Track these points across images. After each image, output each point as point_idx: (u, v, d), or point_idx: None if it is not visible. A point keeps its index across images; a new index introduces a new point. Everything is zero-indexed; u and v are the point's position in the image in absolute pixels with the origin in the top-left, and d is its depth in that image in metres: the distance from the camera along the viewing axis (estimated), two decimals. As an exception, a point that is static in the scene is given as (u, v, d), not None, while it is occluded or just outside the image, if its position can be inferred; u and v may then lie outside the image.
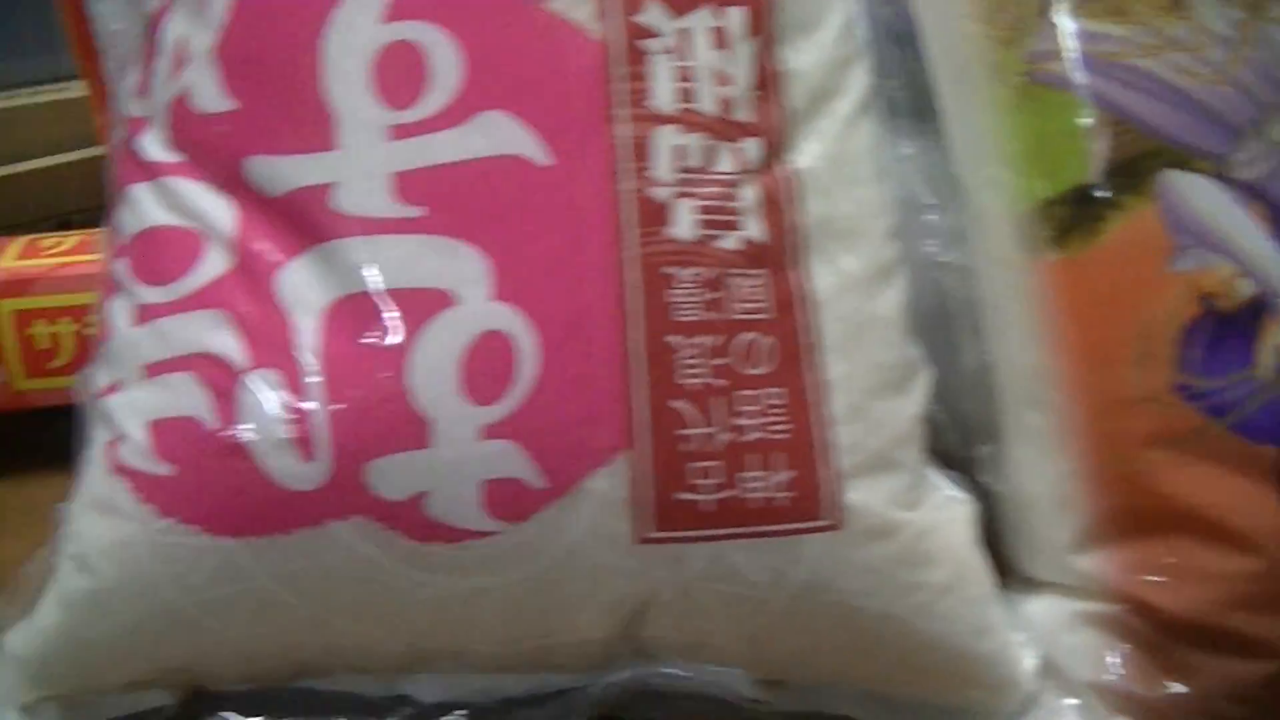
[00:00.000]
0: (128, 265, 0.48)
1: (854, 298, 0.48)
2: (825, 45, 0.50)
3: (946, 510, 0.49)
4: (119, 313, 0.48)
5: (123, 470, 0.45)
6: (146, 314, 0.46)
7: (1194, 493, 0.48)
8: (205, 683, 0.48)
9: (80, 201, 0.83)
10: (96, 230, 0.72)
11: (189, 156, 0.47)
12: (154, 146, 0.49)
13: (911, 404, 0.49)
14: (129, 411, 0.46)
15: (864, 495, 0.46)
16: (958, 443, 0.52)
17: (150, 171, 0.48)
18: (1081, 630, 0.49)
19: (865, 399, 0.47)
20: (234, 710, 0.48)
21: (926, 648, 0.48)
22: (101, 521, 0.46)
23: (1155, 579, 0.48)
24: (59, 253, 0.67)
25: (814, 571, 0.46)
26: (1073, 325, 0.49)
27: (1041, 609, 0.50)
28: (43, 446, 0.65)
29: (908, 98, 0.53)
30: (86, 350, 0.66)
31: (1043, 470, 0.49)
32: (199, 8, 0.47)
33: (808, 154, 0.49)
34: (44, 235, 0.71)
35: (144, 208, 0.48)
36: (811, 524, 0.46)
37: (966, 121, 0.51)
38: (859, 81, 0.51)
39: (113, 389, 0.47)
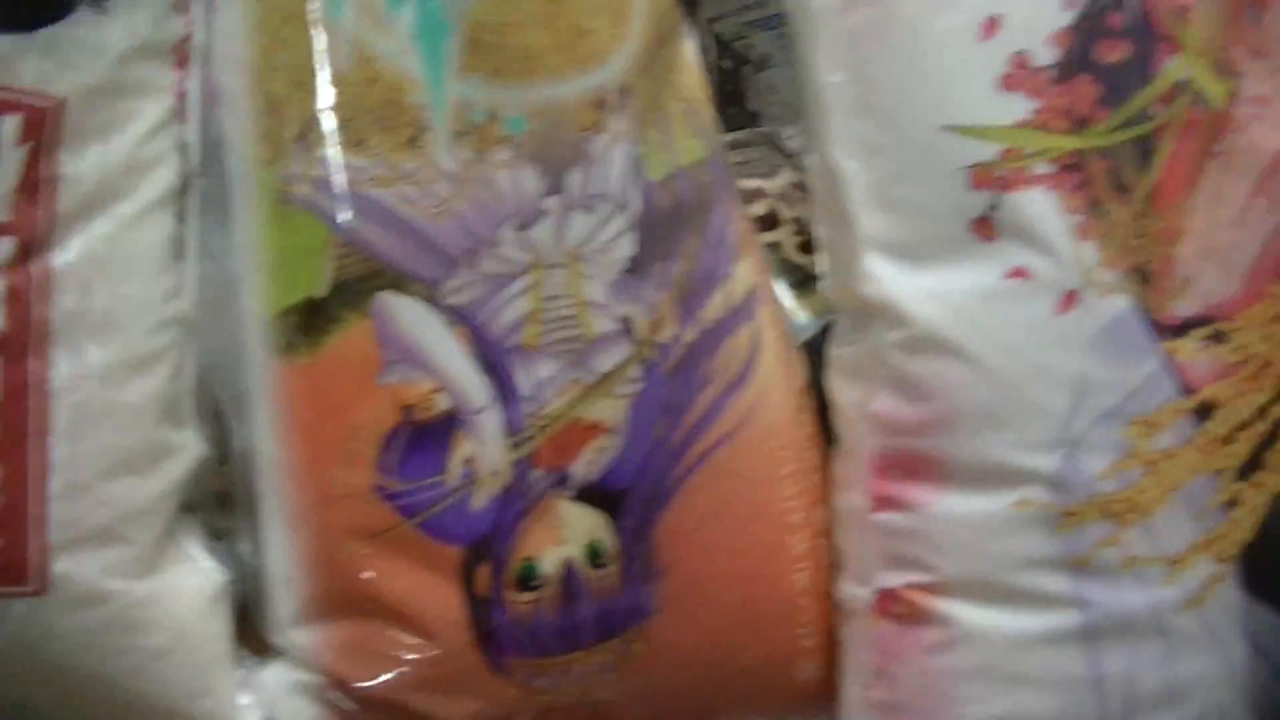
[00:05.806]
0: None
1: (93, 386, 0.53)
2: (115, 152, 0.55)
3: (182, 579, 0.55)
4: None
5: None
6: None
7: (384, 582, 0.53)
8: None
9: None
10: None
11: None
12: None
13: (154, 483, 0.54)
14: None
15: (74, 565, 0.52)
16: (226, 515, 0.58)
17: None
18: (298, 698, 0.55)
19: (92, 479, 0.53)
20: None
21: (141, 706, 0.53)
22: None
23: (349, 657, 0.54)
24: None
25: (17, 632, 0.51)
26: (297, 425, 0.54)
27: (271, 676, 0.56)
28: None
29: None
30: None
31: (275, 550, 0.55)
32: None
33: (70, 252, 0.54)
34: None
35: None
36: (14, 589, 0.51)
37: (237, 229, 0.55)
38: (156, 184, 0.56)
39: None
